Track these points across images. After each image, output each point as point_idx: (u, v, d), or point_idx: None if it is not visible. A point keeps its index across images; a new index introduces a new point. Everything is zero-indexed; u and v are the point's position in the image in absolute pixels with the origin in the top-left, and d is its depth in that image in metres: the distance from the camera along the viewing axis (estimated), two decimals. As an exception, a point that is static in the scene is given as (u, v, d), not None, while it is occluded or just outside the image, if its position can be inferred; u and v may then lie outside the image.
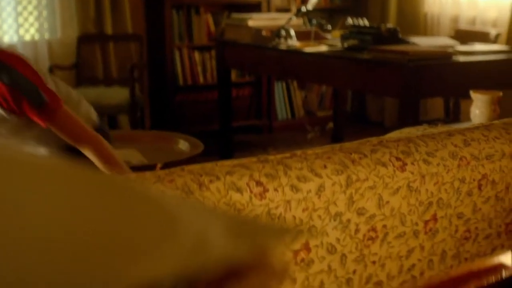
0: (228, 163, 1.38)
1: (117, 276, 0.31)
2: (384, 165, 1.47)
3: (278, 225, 1.08)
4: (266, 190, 1.33)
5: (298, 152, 1.45)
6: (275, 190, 1.34)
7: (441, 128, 1.81)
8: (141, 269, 0.32)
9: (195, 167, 1.35)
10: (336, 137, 5.01)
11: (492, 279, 0.89)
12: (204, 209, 0.43)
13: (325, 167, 1.41)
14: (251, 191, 1.32)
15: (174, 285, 0.33)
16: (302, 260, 1.40)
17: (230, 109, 4.78)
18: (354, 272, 1.47)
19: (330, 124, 5.44)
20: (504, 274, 0.90)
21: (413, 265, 1.56)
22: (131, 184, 0.44)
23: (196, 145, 3.09)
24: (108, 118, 4.90)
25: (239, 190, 1.31)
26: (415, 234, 1.55)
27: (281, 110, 5.73)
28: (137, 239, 0.35)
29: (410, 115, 3.19)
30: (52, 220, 0.35)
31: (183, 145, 3.12)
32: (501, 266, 0.91)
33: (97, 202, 0.39)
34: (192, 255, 0.35)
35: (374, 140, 1.56)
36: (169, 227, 0.37)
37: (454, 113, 4.72)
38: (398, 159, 1.50)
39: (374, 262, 1.49)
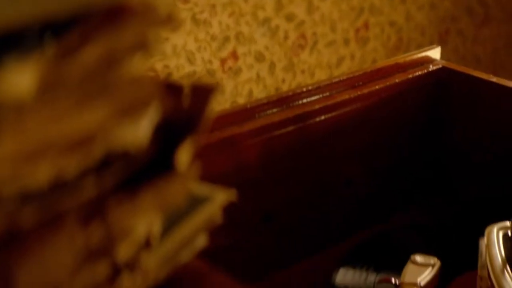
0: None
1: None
2: (314, -32, 1.40)
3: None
4: (189, -6, 1.26)
5: (224, -47, 1.36)
6: (199, -7, 1.27)
7: None
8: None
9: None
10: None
11: (418, 72, 0.86)
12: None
13: (252, -31, 1.33)
14: (173, -5, 1.25)
15: (43, 28, 0.30)
16: (230, 68, 1.35)
17: None
18: (283, 81, 1.44)
19: None
20: (432, 68, 0.87)
21: (343, 74, 1.53)
22: None
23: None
24: None
25: (160, -7, 1.24)
26: (346, 42, 1.51)
27: None
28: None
29: None
30: None
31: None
32: (429, 60, 0.88)
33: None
34: None
35: None
36: None
37: None
38: (329, -39, 1.43)
39: (303, 71, 1.46)
